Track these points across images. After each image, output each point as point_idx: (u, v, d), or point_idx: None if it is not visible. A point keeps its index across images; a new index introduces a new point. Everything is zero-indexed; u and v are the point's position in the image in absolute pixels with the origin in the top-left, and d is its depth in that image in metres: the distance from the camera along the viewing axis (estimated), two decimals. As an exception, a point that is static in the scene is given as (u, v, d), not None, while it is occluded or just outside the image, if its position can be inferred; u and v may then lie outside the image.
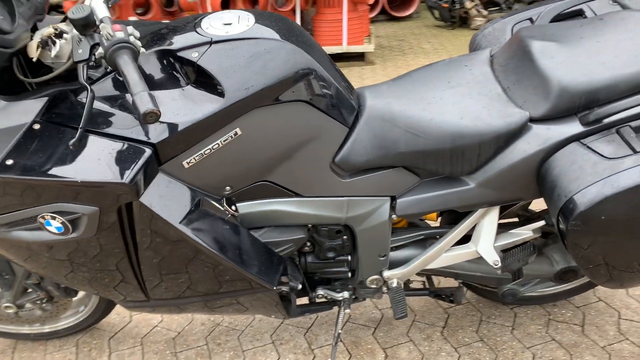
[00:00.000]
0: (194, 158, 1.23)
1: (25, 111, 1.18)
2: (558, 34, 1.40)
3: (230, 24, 1.28)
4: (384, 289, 1.64)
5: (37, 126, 1.17)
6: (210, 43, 1.23)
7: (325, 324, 1.92)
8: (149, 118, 0.96)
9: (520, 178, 1.35)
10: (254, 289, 1.36)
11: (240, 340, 1.87)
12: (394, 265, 1.61)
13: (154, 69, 1.23)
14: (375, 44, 6.44)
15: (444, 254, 1.58)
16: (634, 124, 1.25)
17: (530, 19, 1.65)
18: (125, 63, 1.01)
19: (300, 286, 1.58)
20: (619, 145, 1.21)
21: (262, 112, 1.25)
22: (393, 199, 1.45)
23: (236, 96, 1.20)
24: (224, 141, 1.23)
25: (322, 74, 1.30)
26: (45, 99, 1.20)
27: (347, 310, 1.63)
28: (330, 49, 5.70)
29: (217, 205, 1.31)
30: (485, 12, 6.99)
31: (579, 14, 1.61)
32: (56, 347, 1.89)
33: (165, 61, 1.24)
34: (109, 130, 1.17)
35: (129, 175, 1.11)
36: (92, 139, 1.16)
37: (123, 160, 1.13)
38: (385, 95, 1.42)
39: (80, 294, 1.76)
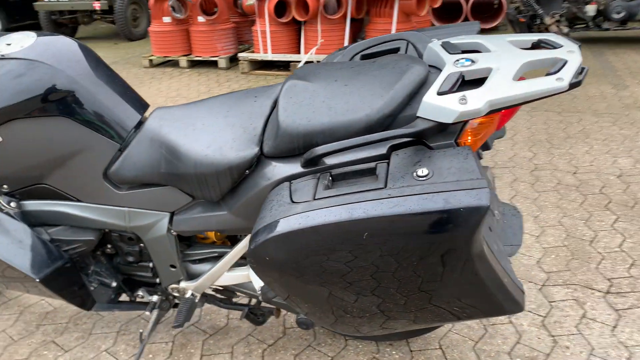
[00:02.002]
0: (-41, 158, 1.44)
1: None
2: (323, 74, 1.41)
3: (10, 44, 1.46)
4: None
5: None
6: (-15, 61, 1.42)
7: (170, 323, 2.05)
8: None
9: (258, 208, 1.39)
10: (23, 278, 1.54)
11: (94, 325, 2.07)
12: (193, 276, 1.70)
13: None
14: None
15: (227, 273, 1.64)
16: (337, 171, 1.24)
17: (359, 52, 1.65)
18: None
19: (114, 284, 1.75)
20: (309, 190, 1.21)
21: (22, 123, 1.42)
22: (173, 214, 1.55)
23: (-11, 109, 1.38)
24: (-16, 146, 1.43)
25: (87, 93, 1.44)
26: None
27: (148, 313, 1.75)
28: (376, 59, 5.69)
29: (-9, 200, 1.51)
30: (566, 30, 6.50)
31: (396, 50, 1.58)
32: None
33: None
34: None
35: None
36: None
37: None
38: (167, 117, 1.52)
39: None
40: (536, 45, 1.28)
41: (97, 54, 1.59)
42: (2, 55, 1.41)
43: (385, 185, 1.12)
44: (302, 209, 1.15)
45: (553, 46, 1.22)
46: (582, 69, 1.13)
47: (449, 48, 1.31)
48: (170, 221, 1.55)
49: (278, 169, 1.32)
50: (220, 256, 1.68)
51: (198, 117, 1.50)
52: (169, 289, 1.72)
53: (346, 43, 5.72)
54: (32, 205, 1.57)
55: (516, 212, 1.59)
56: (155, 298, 1.77)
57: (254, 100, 1.52)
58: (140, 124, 1.54)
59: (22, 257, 1.51)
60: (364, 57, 1.62)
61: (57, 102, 1.42)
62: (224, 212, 1.46)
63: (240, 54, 6.11)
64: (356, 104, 1.27)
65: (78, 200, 1.56)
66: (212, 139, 1.41)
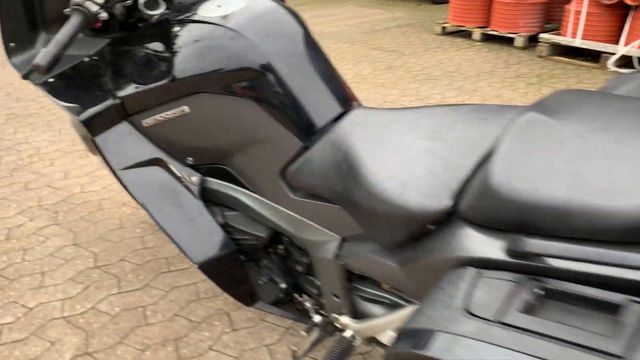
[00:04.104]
0: (150, 120, 1.35)
1: (90, 48, 1.52)
2: (589, 112, 0.89)
3: (220, 6, 1.29)
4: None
5: (86, 59, 1.50)
6: (191, 21, 1.29)
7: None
8: (36, 69, 1.15)
9: (432, 279, 0.98)
10: (187, 257, 1.44)
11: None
12: (361, 314, 1.39)
13: (160, 32, 1.37)
14: None
15: (392, 334, 1.27)
16: (556, 284, 0.74)
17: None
18: (69, 23, 1.21)
19: (284, 285, 1.56)
20: (497, 300, 0.75)
21: (210, 97, 1.26)
22: (344, 240, 1.25)
23: (180, 75, 1.25)
24: (172, 114, 1.31)
25: (280, 78, 1.21)
26: (106, 41, 1.51)
27: (303, 333, 1.51)
28: None
29: (175, 170, 1.41)
30: None
31: None
32: None
33: (165, 29, 1.36)
34: (99, 79, 1.40)
35: (85, 115, 1.33)
36: (83, 84, 1.41)
37: (91, 102, 1.35)
38: (363, 123, 1.20)
39: None
40: None
41: (308, 29, 1.32)
42: (202, 18, 1.26)
43: (622, 357, 0.61)
44: (472, 333, 0.71)
45: None
46: None
47: None
48: (340, 248, 1.25)
49: (470, 242, 0.88)
50: (395, 306, 1.32)
51: (399, 132, 1.13)
52: (331, 316, 1.45)
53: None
54: (213, 183, 1.44)
55: None
56: (318, 318, 1.51)
57: (479, 123, 1.07)
58: (333, 123, 1.25)
59: (187, 236, 1.40)
60: None
61: (245, 82, 1.21)
62: (393, 263, 1.09)
63: (541, 35, 5.29)
64: (629, 182, 0.73)
65: (254, 192, 1.38)
66: (400, 168, 1.03)
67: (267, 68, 1.20)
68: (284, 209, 1.32)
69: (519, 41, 5.59)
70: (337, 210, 1.20)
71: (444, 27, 6.31)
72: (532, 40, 5.67)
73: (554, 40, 5.19)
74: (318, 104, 1.24)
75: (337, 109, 1.26)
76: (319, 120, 1.23)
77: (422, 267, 1.00)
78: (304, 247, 1.36)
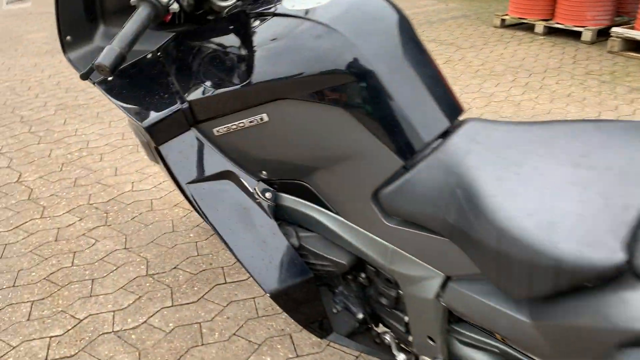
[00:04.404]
0: (222, 128, 1.18)
1: (153, 42, 1.36)
2: None
3: (310, -4, 1.10)
4: None
5: (149, 55, 1.33)
6: (272, 15, 1.10)
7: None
8: (99, 69, 0.99)
9: (584, 347, 0.78)
10: (258, 285, 1.27)
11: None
12: (457, 361, 1.19)
13: (235, 27, 1.19)
14: None
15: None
16: None
17: None
18: (137, 14, 1.04)
19: (360, 315, 1.38)
20: None
21: (293, 104, 1.08)
22: (449, 279, 1.05)
23: (259, 78, 1.07)
24: (249, 122, 1.13)
25: (380, 84, 1.01)
26: (171, 35, 1.34)
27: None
28: None
29: (247, 184, 1.23)
30: None
31: None
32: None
33: (240, 24, 1.18)
34: (163, 78, 1.23)
35: (149, 121, 1.17)
36: (146, 84, 1.25)
37: (155, 106, 1.19)
38: (481, 140, 0.99)
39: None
40: None
41: (411, 24, 1.12)
42: (285, 11, 1.07)
43: None
44: None
45: None
46: None
47: None
48: (443, 287, 1.06)
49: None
50: (502, 355, 1.11)
51: (532, 153, 0.92)
52: (421, 359, 1.26)
53: None
54: (288, 200, 1.26)
55: None
56: (402, 357, 1.32)
57: (637, 147, 0.85)
58: (441, 139, 1.04)
59: (258, 261, 1.22)
60: None
61: (337, 88, 1.02)
62: (522, 317, 0.89)
63: (613, 29, 4.92)
64: None
65: (337, 213, 1.19)
66: (542, 203, 0.83)
67: (363, 71, 1.01)
68: (374, 236, 1.13)
69: (587, 35, 5.22)
70: (443, 244, 1.00)
71: (503, 19, 5.97)
72: (601, 35, 5.30)
73: (628, 35, 4.81)
74: (423, 115, 1.04)
75: (444, 122, 1.06)
76: (424, 135, 1.03)
77: (568, 330, 0.79)
78: (394, 280, 1.17)
